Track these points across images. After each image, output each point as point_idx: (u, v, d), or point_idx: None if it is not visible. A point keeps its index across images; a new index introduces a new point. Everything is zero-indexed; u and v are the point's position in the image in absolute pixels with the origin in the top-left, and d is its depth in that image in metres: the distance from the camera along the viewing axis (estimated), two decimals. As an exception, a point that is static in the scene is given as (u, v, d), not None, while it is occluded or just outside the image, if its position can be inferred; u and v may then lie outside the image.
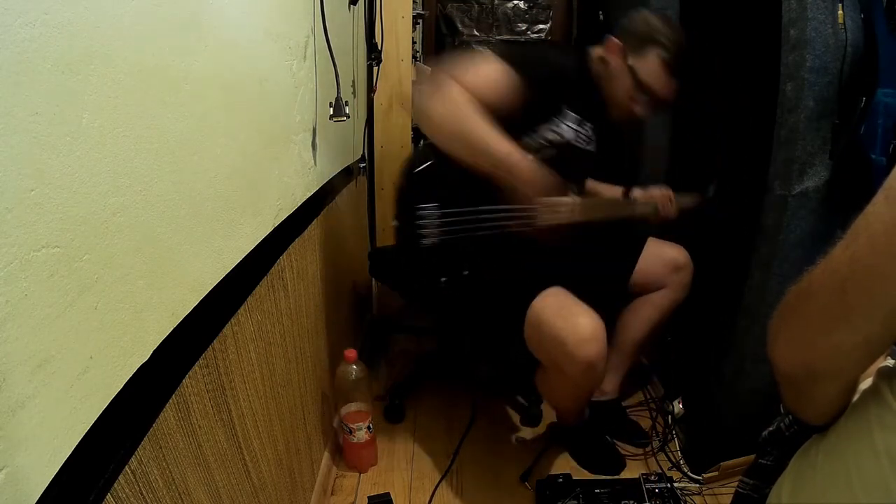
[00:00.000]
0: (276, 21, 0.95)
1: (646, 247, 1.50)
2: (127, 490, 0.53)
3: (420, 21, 2.23)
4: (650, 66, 1.26)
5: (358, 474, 1.45)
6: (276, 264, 0.98)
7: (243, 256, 0.82)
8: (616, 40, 1.29)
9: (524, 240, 1.32)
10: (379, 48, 1.79)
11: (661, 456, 1.51)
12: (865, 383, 0.54)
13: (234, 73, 0.78)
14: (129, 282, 0.54)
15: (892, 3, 0.98)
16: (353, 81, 1.66)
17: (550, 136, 1.30)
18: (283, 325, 1.05)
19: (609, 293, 1.44)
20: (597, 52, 1.34)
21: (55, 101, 0.43)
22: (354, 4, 1.59)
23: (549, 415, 1.58)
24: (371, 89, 1.86)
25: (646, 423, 1.63)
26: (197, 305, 0.68)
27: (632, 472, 1.45)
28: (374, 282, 2.00)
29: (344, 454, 1.48)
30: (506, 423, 1.66)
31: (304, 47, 1.11)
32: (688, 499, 1.37)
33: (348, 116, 1.28)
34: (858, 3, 1.04)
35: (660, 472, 1.41)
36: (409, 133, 1.97)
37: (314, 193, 1.21)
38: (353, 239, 1.79)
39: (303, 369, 1.19)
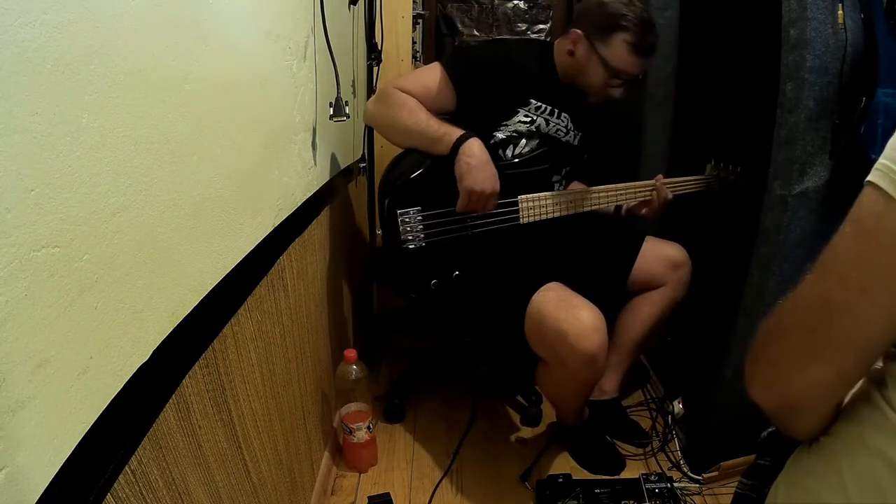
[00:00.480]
0: (277, 21, 0.95)
1: (644, 245, 1.50)
2: (127, 490, 0.53)
3: (420, 21, 2.23)
4: (618, 51, 1.28)
5: (358, 474, 1.45)
6: (276, 264, 0.98)
7: (243, 256, 0.82)
8: (579, 31, 1.31)
9: (515, 239, 1.32)
10: (379, 48, 1.79)
11: (661, 456, 1.51)
12: (856, 387, 0.54)
13: (235, 73, 0.78)
14: (129, 282, 0.54)
15: (892, 3, 0.98)
16: (353, 81, 1.66)
17: (521, 127, 1.35)
18: (283, 325, 1.05)
19: (607, 292, 1.44)
20: (564, 45, 1.36)
21: (55, 101, 0.43)
22: (354, 4, 1.59)
23: (549, 415, 1.58)
24: (371, 89, 1.86)
25: (646, 423, 1.63)
26: (197, 305, 0.68)
27: (632, 472, 1.45)
28: (374, 282, 2.00)
29: (344, 454, 1.48)
30: (506, 423, 1.66)
31: (304, 47, 1.11)
32: (688, 499, 1.37)
33: (348, 116, 1.28)
34: (858, 3, 1.04)
35: (660, 472, 1.41)
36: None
37: (314, 193, 1.21)
38: (353, 239, 1.79)
39: (303, 369, 1.19)
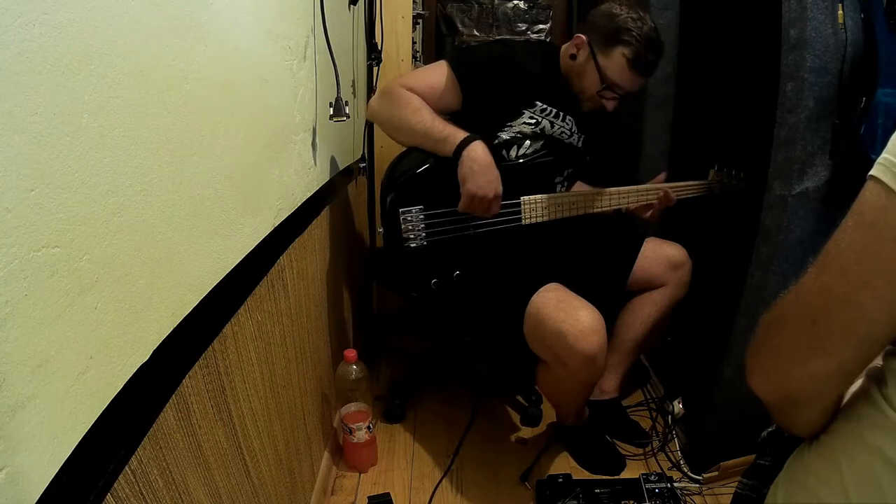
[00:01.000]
0: (277, 21, 0.95)
1: (644, 245, 1.50)
2: (127, 490, 0.53)
3: (420, 21, 2.23)
4: (615, 65, 1.28)
5: (358, 474, 1.45)
6: (276, 264, 0.98)
7: (243, 256, 0.82)
8: (583, 37, 1.31)
9: (516, 239, 1.32)
10: (379, 48, 1.79)
11: (661, 456, 1.51)
12: (856, 384, 0.54)
13: (234, 73, 0.78)
14: (129, 282, 0.54)
15: (892, 3, 0.98)
16: (353, 81, 1.66)
17: (526, 128, 1.34)
18: (283, 325, 1.05)
19: (608, 292, 1.44)
20: (567, 48, 1.36)
21: (55, 101, 0.43)
22: (354, 4, 1.59)
23: (549, 415, 1.58)
24: (371, 89, 1.86)
25: (646, 423, 1.63)
26: (197, 305, 0.68)
27: (632, 472, 1.45)
28: (374, 282, 2.00)
29: (344, 454, 1.48)
30: (506, 423, 1.66)
31: (304, 47, 1.11)
32: (688, 499, 1.37)
33: (348, 116, 1.28)
34: (858, 3, 1.04)
35: (660, 472, 1.41)
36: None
37: (314, 193, 1.21)
38: (353, 239, 1.79)
39: (303, 369, 1.19)
